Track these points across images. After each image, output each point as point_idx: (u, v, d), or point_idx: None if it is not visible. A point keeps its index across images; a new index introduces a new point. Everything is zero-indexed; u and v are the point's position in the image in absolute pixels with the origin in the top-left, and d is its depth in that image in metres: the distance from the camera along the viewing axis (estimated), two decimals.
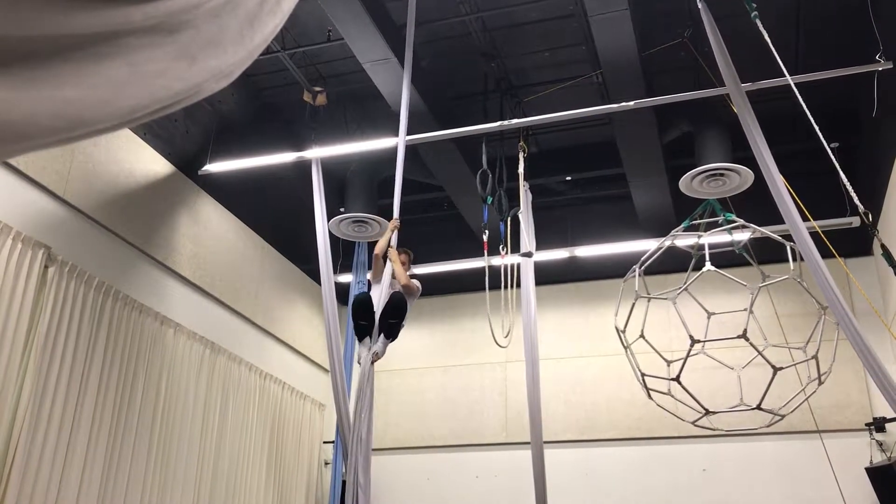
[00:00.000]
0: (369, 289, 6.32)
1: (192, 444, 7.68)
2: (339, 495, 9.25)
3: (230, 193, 8.77)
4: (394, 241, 6.19)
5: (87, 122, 0.77)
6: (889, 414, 7.97)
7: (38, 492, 5.85)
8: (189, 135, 8.21)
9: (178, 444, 7.47)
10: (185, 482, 7.47)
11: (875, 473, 8.16)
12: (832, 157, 5.22)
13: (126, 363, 6.95)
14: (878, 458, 8.35)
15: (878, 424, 8.55)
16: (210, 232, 8.54)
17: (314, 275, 8.98)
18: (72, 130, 0.76)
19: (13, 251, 5.92)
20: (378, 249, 6.25)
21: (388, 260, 6.14)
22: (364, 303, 5.96)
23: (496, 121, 7.65)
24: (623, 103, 7.17)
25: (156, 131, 7.78)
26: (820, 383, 6.96)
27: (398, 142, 6.30)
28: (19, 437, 5.73)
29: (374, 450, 9.88)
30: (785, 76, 5.33)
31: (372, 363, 5.80)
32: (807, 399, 7.12)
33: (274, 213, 9.61)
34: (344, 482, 8.73)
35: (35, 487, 5.83)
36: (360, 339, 5.95)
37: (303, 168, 8.11)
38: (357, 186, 8.97)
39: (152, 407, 7.22)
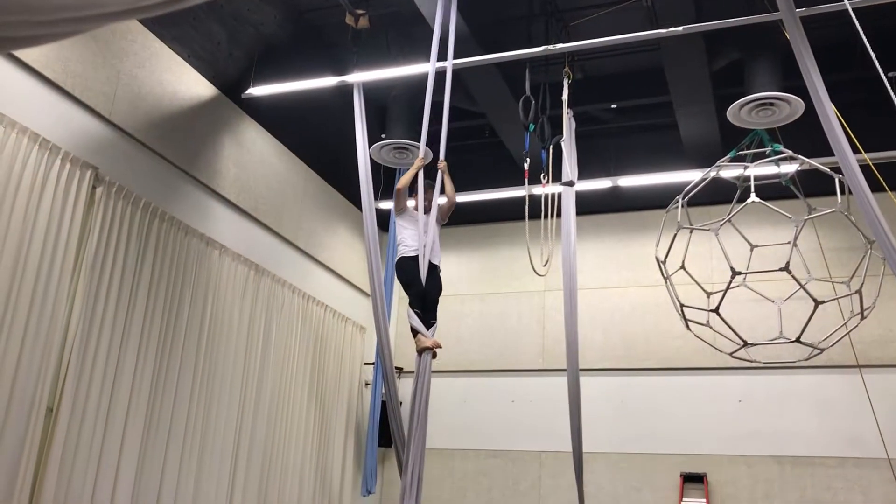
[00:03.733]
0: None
1: (236, 363, 7.90)
2: (378, 415, 9.51)
3: (273, 118, 8.79)
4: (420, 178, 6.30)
5: (95, 3, 0.77)
6: None
7: (90, 408, 6.10)
8: (232, 58, 8.20)
9: (223, 363, 7.70)
10: (230, 401, 7.72)
11: None
12: (888, 86, 5.05)
13: (172, 283, 7.13)
14: None
15: None
16: (253, 156, 8.61)
17: (356, 200, 9.02)
18: (79, 9, 0.76)
19: (62, 171, 6.05)
20: (401, 185, 6.33)
21: (433, 186, 6.23)
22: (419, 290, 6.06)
23: (541, 45, 7.50)
24: (672, 28, 6.97)
25: (199, 54, 7.79)
26: (862, 318, 6.89)
27: (429, 68, 6.29)
28: (71, 353, 5.96)
29: (409, 372, 10.13)
30: (842, 0, 5.13)
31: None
32: (848, 333, 7.07)
33: (316, 138, 9.63)
34: (384, 402, 8.96)
35: (87, 404, 6.07)
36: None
37: (345, 93, 8.08)
38: (398, 112, 8.92)
39: (198, 326, 7.43)
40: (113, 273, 6.44)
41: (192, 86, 7.74)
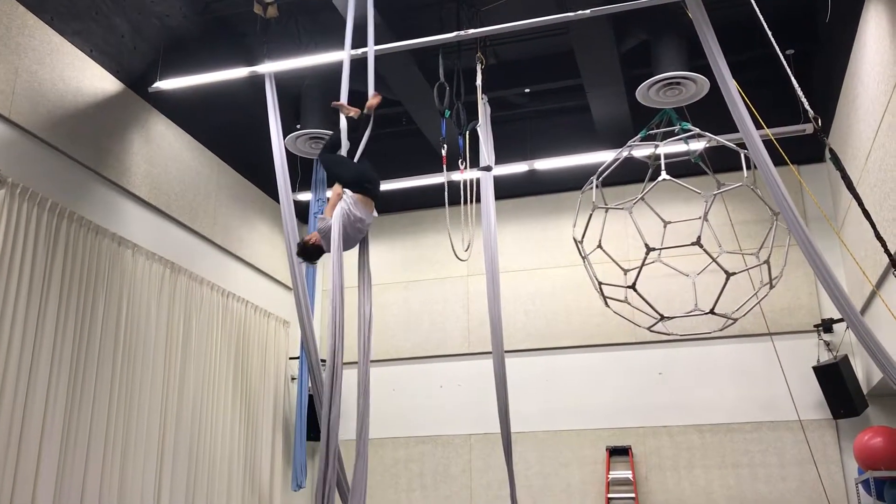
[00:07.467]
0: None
1: (156, 364, 7.71)
2: (305, 409, 9.42)
3: (183, 111, 8.57)
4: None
5: None
6: (836, 315, 8.28)
7: (3, 420, 5.87)
8: (137, 51, 7.95)
9: (142, 364, 7.50)
10: (151, 403, 7.53)
11: (821, 371, 8.51)
12: (784, 63, 5.25)
13: (85, 285, 6.90)
14: (825, 357, 8.70)
15: (826, 325, 8.87)
16: (164, 151, 8.38)
17: (272, 193, 8.89)
18: None
19: None
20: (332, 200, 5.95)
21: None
22: None
23: (453, 31, 7.51)
24: (580, 11, 7.07)
25: (102, 48, 7.53)
26: (771, 287, 7.17)
27: (342, 56, 6.15)
28: None
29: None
30: None
31: None
32: (759, 303, 7.36)
33: (229, 131, 9.44)
34: (310, 396, 8.89)
35: None
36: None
37: (256, 84, 7.93)
38: (312, 101, 8.82)
39: (114, 328, 7.21)
40: (21, 279, 6.19)
41: (97, 81, 7.48)
